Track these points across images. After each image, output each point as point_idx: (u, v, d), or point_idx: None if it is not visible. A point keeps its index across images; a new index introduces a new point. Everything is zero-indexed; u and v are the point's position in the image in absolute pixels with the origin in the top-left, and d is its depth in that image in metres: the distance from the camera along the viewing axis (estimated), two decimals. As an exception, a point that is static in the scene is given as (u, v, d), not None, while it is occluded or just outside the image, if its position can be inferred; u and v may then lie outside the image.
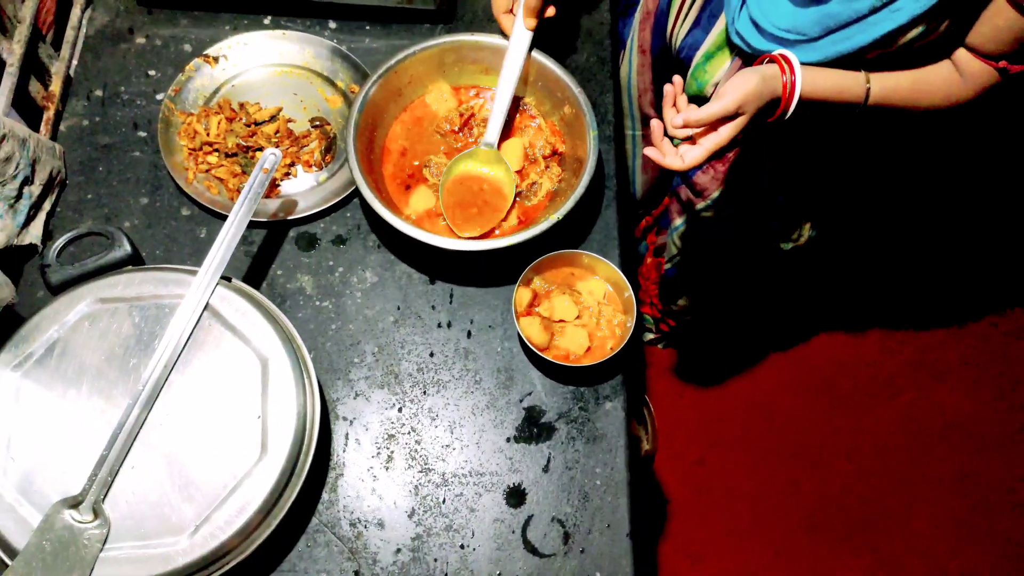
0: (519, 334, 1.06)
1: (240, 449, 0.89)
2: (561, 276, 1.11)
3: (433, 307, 1.13)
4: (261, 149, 1.17)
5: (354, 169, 1.07)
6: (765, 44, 1.04)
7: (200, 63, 1.22)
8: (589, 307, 1.10)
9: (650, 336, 2.09)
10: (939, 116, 1.03)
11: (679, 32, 1.24)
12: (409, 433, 1.06)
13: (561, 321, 1.08)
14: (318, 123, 1.22)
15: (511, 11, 1.14)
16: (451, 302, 1.14)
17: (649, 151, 0.99)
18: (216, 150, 1.17)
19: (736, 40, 1.09)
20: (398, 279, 1.14)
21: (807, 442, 2.14)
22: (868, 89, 1.00)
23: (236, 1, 1.28)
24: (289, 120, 1.22)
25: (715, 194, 1.34)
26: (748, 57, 1.09)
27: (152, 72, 1.25)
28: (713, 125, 0.96)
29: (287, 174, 1.18)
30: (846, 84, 1.00)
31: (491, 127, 1.15)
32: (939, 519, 2.08)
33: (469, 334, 1.12)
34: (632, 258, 1.67)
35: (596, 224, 1.19)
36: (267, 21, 1.30)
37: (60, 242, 0.98)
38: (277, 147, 1.17)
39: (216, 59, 1.23)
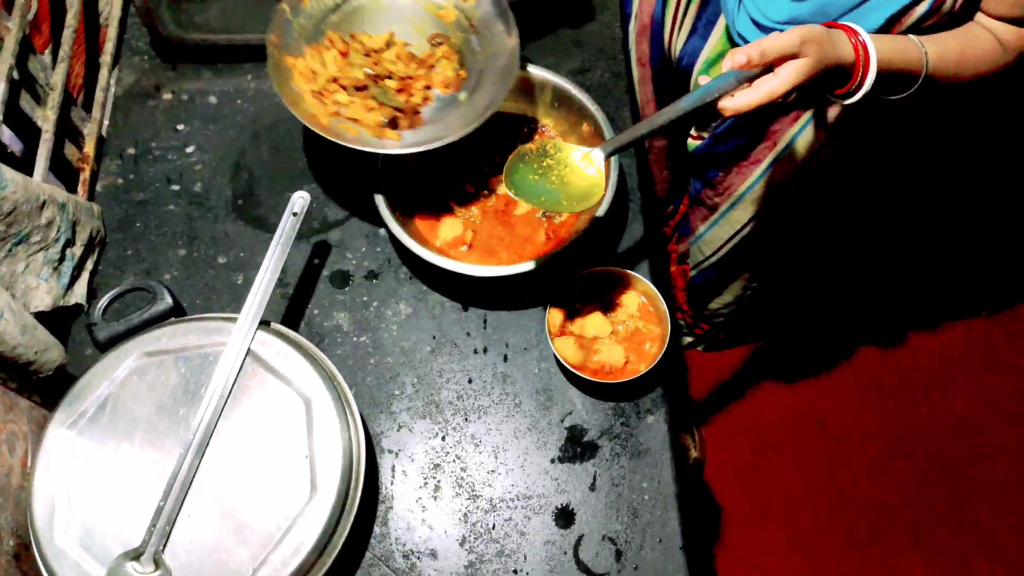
0: (555, 354, 1.07)
1: (290, 490, 0.91)
2: (592, 293, 1.12)
3: (468, 334, 1.14)
4: (390, 76, 1.10)
5: (381, 207, 1.09)
6: None
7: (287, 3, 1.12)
8: (623, 322, 1.10)
9: (688, 339, 2.08)
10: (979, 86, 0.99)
11: (677, 42, 1.24)
12: (454, 461, 1.07)
13: (596, 338, 1.09)
14: (439, 40, 1.14)
15: None
16: (485, 327, 1.15)
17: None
18: (343, 87, 1.09)
19: (739, 41, 1.08)
20: (431, 309, 1.16)
21: (862, 443, 2.10)
22: (926, 53, 0.93)
23: (257, 50, 1.31)
24: (406, 44, 1.14)
25: (741, 190, 1.33)
26: None
27: (181, 126, 1.29)
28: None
29: (425, 98, 1.12)
30: (907, 47, 0.93)
31: None
32: (1005, 514, 2.02)
33: (506, 358, 1.13)
34: (663, 269, 1.67)
35: (623, 238, 1.19)
36: (286, 67, 1.33)
37: (104, 300, 1.02)
38: (400, 78, 1.10)
39: None
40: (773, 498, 2.05)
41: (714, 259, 1.51)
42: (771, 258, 1.51)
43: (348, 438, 0.94)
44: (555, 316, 1.09)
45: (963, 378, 2.17)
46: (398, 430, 1.08)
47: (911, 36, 0.94)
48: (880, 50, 0.89)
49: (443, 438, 1.08)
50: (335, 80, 1.09)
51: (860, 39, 0.89)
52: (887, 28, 0.95)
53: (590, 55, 1.34)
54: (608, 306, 1.11)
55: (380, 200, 1.10)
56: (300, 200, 1.04)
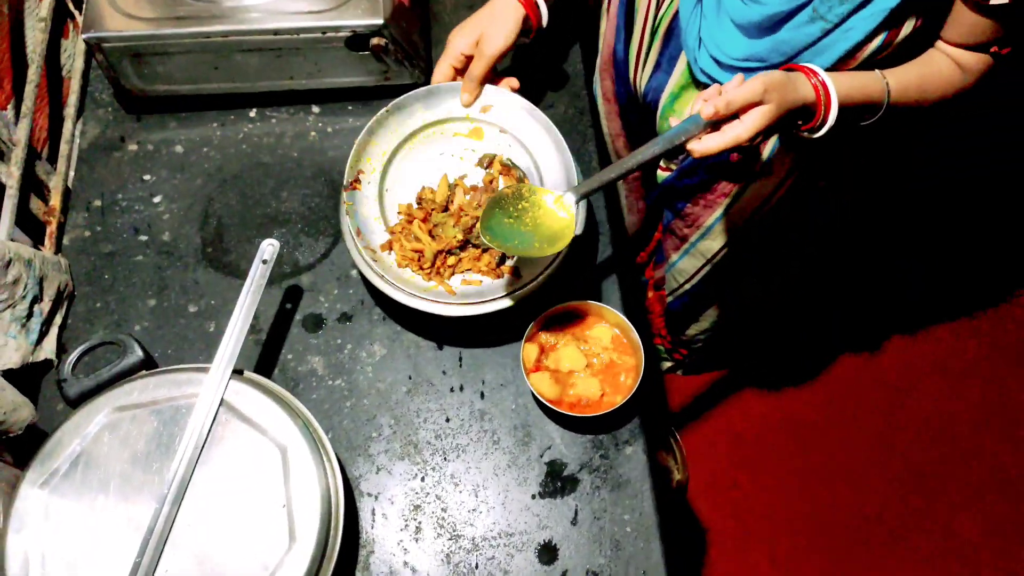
0: (531, 390, 1.07)
1: (268, 540, 0.90)
2: (566, 327, 1.12)
3: (444, 372, 1.14)
4: (478, 219, 1.10)
5: (352, 249, 1.09)
6: (729, 77, 1.06)
7: (349, 195, 1.13)
8: (598, 354, 1.11)
9: (667, 365, 2.09)
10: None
11: (641, 78, 1.27)
12: (434, 501, 1.06)
13: (571, 372, 1.09)
14: (487, 161, 1.17)
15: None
16: (461, 365, 1.15)
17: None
18: (449, 252, 1.11)
19: (702, 77, 1.11)
20: (406, 349, 1.16)
21: (839, 456, 2.12)
22: (887, 83, 0.97)
23: (221, 99, 1.32)
24: (462, 177, 1.17)
25: (709, 222, 1.35)
26: None
27: (147, 177, 1.29)
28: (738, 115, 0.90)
29: None
30: (867, 81, 0.96)
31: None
32: (981, 520, 2.05)
33: (482, 395, 1.13)
34: (635, 299, 1.68)
35: (594, 271, 1.21)
36: (252, 113, 1.34)
37: (73, 356, 1.00)
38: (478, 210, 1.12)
39: (358, 181, 1.15)
40: (755, 516, 2.06)
41: (688, 287, 1.53)
42: (732, 295, 1.53)
43: (326, 485, 0.93)
44: (530, 351, 1.09)
45: (933, 387, 2.21)
46: (377, 473, 1.08)
47: (874, 71, 0.97)
48: (840, 86, 0.92)
49: (422, 479, 1.07)
50: (442, 250, 1.11)
51: (819, 79, 0.92)
52: (842, 64, 0.98)
53: (554, 91, 1.36)
54: (582, 340, 1.11)
55: (351, 242, 1.10)
56: (270, 247, 1.04)
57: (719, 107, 0.87)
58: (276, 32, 1.21)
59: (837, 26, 0.94)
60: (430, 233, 1.12)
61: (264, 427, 0.95)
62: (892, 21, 0.94)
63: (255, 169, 1.30)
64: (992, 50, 0.96)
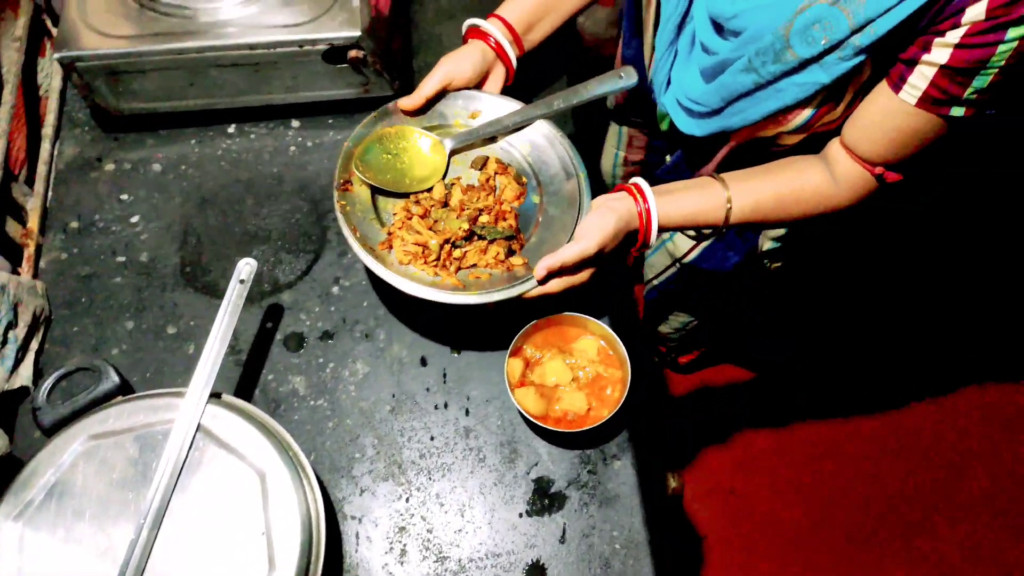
0: (516, 406, 1.05)
1: (247, 568, 0.88)
2: (551, 340, 1.10)
3: (428, 389, 1.12)
4: (481, 211, 1.10)
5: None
6: (682, 116, 1.07)
7: (341, 195, 1.09)
8: (584, 368, 1.09)
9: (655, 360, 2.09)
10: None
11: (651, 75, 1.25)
12: (420, 522, 1.04)
13: (557, 386, 1.07)
14: (481, 163, 1.15)
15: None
16: (445, 381, 1.13)
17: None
18: (454, 244, 1.08)
19: (663, 110, 1.11)
20: (389, 366, 1.14)
21: (840, 455, 2.11)
22: (729, 209, 1.01)
23: (199, 115, 1.30)
24: (457, 178, 1.14)
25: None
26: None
27: (124, 196, 1.27)
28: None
29: (516, 216, 1.11)
30: (705, 206, 1.01)
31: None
32: (968, 539, 2.03)
33: (467, 411, 1.11)
34: (627, 309, 1.67)
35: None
36: (231, 129, 1.32)
37: (47, 384, 0.99)
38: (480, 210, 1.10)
39: (350, 183, 1.10)
40: (754, 520, 2.04)
41: (656, 282, 1.52)
42: (699, 304, 1.52)
43: (306, 510, 0.91)
44: (514, 366, 1.07)
45: (941, 377, 2.20)
46: (360, 494, 1.06)
47: (726, 187, 1.01)
48: (663, 210, 1.01)
49: (407, 499, 1.05)
50: (446, 241, 1.07)
51: (645, 206, 1.01)
52: (773, 120, 0.97)
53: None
54: (567, 353, 1.09)
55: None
56: (247, 267, 1.02)
57: (552, 267, 0.99)
58: (252, 47, 1.19)
59: (770, 83, 0.92)
60: (431, 229, 1.09)
61: (242, 452, 0.93)
62: (826, 98, 0.92)
63: (234, 186, 1.28)
64: (878, 171, 0.93)
